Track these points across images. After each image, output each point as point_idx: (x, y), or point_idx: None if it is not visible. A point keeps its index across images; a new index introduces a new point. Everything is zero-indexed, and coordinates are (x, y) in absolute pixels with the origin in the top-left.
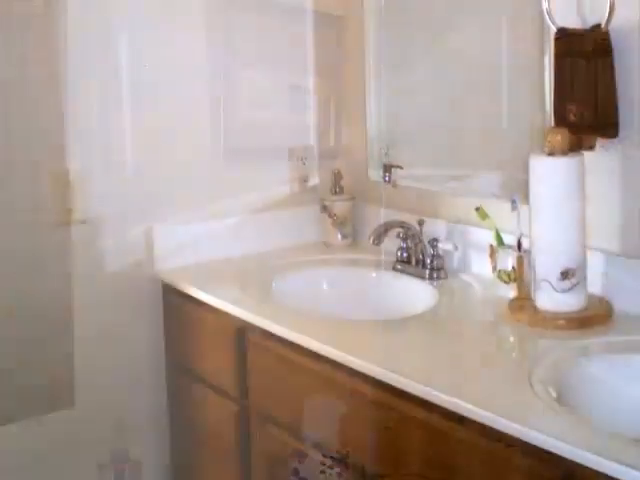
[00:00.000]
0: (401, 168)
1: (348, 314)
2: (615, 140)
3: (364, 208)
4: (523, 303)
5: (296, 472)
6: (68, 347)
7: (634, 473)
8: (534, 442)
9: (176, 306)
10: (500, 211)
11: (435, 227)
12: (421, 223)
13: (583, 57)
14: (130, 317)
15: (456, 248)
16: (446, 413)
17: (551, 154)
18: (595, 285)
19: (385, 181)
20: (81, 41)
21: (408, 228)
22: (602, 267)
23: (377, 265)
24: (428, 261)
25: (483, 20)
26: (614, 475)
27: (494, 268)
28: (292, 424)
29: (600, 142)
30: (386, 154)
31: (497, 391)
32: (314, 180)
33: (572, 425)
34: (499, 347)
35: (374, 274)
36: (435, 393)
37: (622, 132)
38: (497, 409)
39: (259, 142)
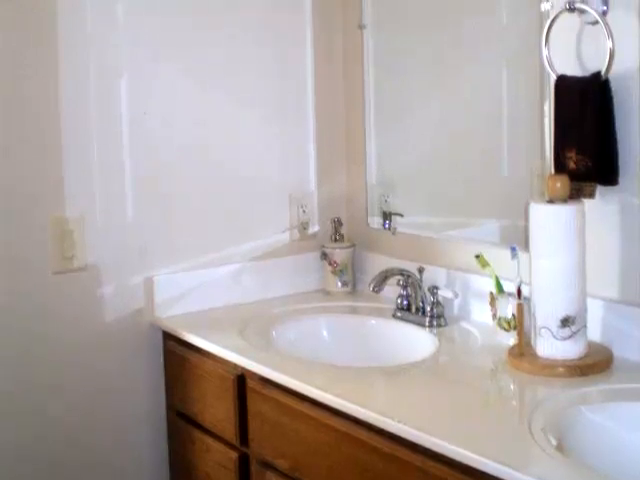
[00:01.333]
0: (401, 216)
1: (348, 361)
2: (615, 187)
3: (364, 255)
4: (523, 350)
5: None
6: (68, 396)
7: None
8: None
9: (176, 353)
10: (500, 258)
11: (435, 274)
12: (421, 270)
13: (583, 104)
14: (130, 364)
15: (456, 295)
16: (445, 461)
17: (551, 201)
18: (595, 332)
19: (385, 228)
20: (80, 88)
21: (408, 275)
22: (602, 314)
23: (377, 313)
24: (428, 308)
25: (483, 67)
26: None
27: (494, 315)
28: (292, 471)
29: (600, 189)
30: (386, 201)
31: (497, 439)
32: (314, 227)
33: (573, 473)
34: (499, 395)
35: (374, 321)
36: (434, 441)
37: (622, 179)
38: (497, 457)
39: (259, 189)
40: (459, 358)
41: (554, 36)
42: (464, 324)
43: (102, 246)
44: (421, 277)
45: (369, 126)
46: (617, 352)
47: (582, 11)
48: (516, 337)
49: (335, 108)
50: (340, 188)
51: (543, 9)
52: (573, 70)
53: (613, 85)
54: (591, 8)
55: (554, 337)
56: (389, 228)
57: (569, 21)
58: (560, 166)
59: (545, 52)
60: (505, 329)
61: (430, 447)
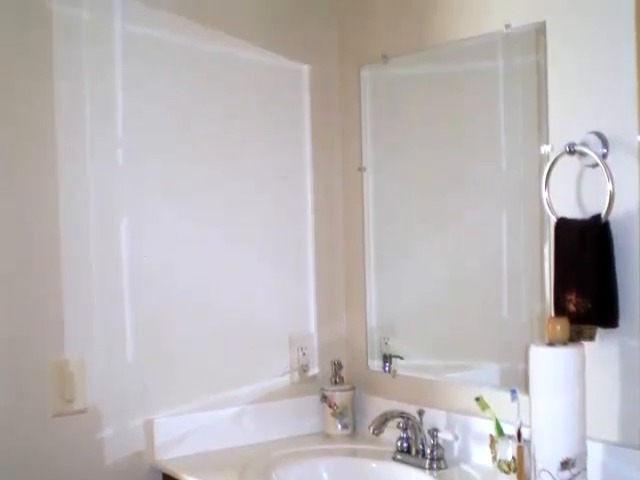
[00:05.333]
0: (401, 358)
1: None
2: (615, 330)
3: (364, 398)
4: None
5: None
6: None
7: None
8: None
9: None
10: (500, 401)
11: (435, 417)
12: (421, 413)
13: (583, 247)
14: None
15: (456, 438)
16: None
17: (551, 344)
18: (595, 475)
19: (385, 371)
20: (80, 231)
21: (408, 418)
22: (602, 457)
23: (377, 455)
24: (428, 451)
25: (483, 209)
26: None
27: (494, 458)
28: None
29: (600, 332)
30: (386, 344)
31: None
32: (314, 370)
33: None
34: None
35: (374, 464)
36: None
37: (622, 322)
38: None
39: (259, 331)
40: None
41: (554, 178)
42: (464, 467)
43: (102, 388)
44: (421, 419)
45: (369, 268)
46: None
47: (582, 154)
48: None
49: (335, 250)
50: (340, 330)
51: (543, 152)
52: (573, 212)
53: (613, 228)
54: (591, 151)
55: None
56: (389, 371)
57: (569, 164)
58: (560, 308)
59: (545, 195)
60: (505, 472)
61: None
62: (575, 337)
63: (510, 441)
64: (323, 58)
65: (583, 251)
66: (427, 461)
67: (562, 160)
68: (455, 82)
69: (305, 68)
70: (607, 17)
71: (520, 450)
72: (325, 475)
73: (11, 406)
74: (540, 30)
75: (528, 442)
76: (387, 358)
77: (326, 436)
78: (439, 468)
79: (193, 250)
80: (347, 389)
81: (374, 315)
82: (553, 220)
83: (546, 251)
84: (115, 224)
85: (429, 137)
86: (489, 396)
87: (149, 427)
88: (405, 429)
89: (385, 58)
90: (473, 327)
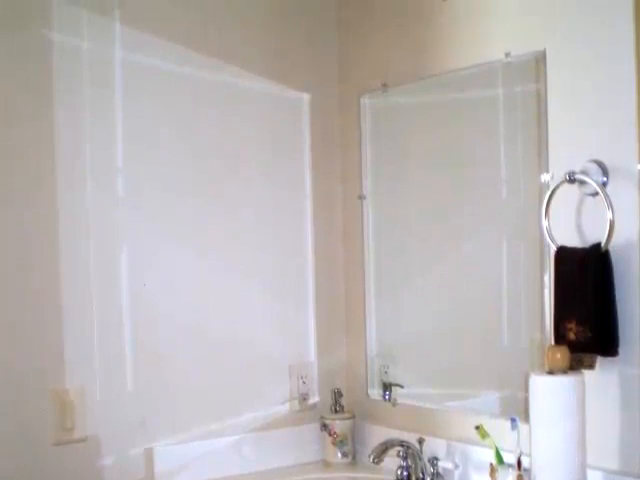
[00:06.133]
0: (401, 387)
1: None
2: (615, 359)
3: (364, 426)
4: None
5: None
6: None
7: None
8: None
9: None
10: (500, 429)
11: (435, 445)
12: (421, 441)
13: (583, 275)
14: None
15: (456, 466)
16: None
17: (551, 372)
18: None
19: (385, 399)
20: (80, 260)
21: (408, 447)
22: None
23: None
24: (428, 479)
25: (483, 238)
26: None
27: None
28: None
29: (600, 360)
30: (386, 372)
31: None
32: (314, 398)
33: None
34: None
35: None
36: None
37: (622, 351)
38: None
39: (259, 359)
40: None
41: (554, 207)
42: None
43: (102, 417)
44: (421, 448)
45: (369, 297)
46: None
47: (582, 182)
48: None
49: (335, 278)
50: (340, 359)
51: (543, 180)
52: (573, 241)
53: (613, 256)
54: (591, 179)
55: None
56: (389, 399)
57: (569, 192)
58: (560, 337)
59: (545, 223)
60: None
61: None
62: (575, 366)
63: (510, 470)
64: (323, 87)
65: (583, 279)
66: None
67: (562, 188)
68: (455, 110)
69: (305, 97)
70: (607, 46)
71: (520, 479)
72: None
73: (12, 434)
74: (540, 58)
75: (528, 471)
76: (387, 387)
77: (326, 464)
78: None
79: (193, 279)
80: (347, 417)
81: (374, 343)
82: (553, 248)
83: (546, 279)
84: (115, 253)
85: (429, 165)
86: (489, 424)
87: (149, 456)
88: (405, 458)
89: (385, 87)
90: (473, 355)
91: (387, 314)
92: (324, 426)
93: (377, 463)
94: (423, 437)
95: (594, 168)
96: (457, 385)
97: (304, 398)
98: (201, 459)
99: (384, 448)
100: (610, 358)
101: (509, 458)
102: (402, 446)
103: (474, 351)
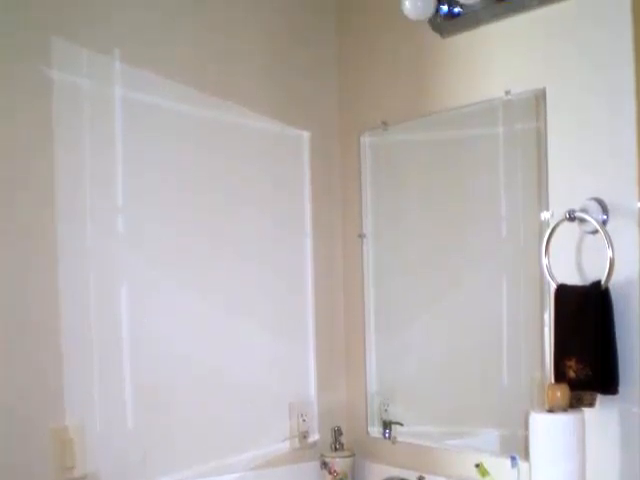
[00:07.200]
0: (401, 425)
1: None
2: (615, 396)
3: (364, 464)
4: None
5: None
6: None
7: None
8: None
9: None
10: (500, 468)
11: None
12: (421, 479)
13: (583, 313)
14: None
15: None
16: None
17: (551, 411)
18: None
19: (385, 437)
20: (80, 297)
21: None
22: None
23: None
24: None
25: (483, 276)
26: None
27: None
28: None
29: (600, 398)
30: (386, 410)
31: None
32: (314, 436)
33: None
34: None
35: None
36: None
37: (622, 389)
38: None
39: (259, 397)
40: None
41: (554, 245)
42: None
43: (102, 454)
44: None
45: (369, 335)
46: None
47: (582, 220)
48: None
49: (335, 317)
50: (340, 397)
51: (543, 218)
52: (573, 279)
53: (613, 294)
54: (591, 217)
55: None
56: (389, 437)
57: (569, 230)
58: (560, 375)
59: (545, 261)
60: None
61: None
62: (575, 404)
63: None
64: (323, 124)
65: (583, 317)
66: None
67: (562, 226)
68: (455, 148)
69: (305, 134)
70: (607, 84)
71: None
72: None
73: (11, 473)
74: (540, 96)
75: None
76: (387, 424)
77: None
78: None
79: (193, 317)
80: (347, 455)
81: (374, 381)
82: (553, 286)
83: (546, 317)
84: (115, 291)
85: (429, 203)
86: (489, 463)
87: None
88: None
89: (385, 125)
90: (473, 393)
91: (387, 352)
92: (324, 464)
93: None
94: (423, 475)
95: (594, 206)
96: (457, 423)
97: (304, 436)
98: None
99: None
100: (610, 396)
101: None
102: None
103: (474, 389)
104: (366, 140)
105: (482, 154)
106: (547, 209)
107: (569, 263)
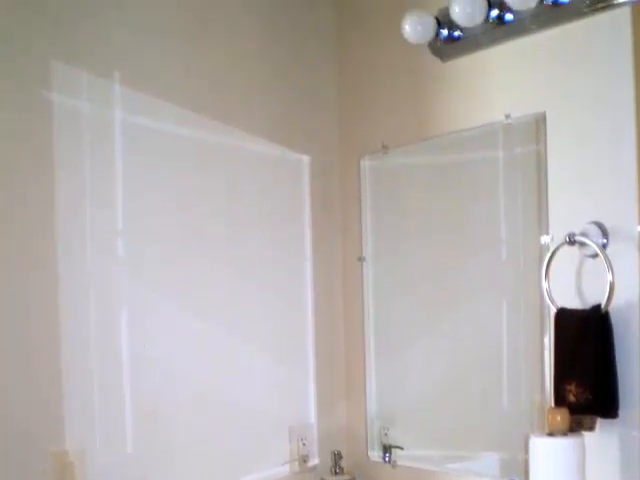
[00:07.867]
0: (401, 449)
1: None
2: (615, 420)
3: None
4: None
5: None
6: None
7: None
8: None
9: None
10: None
11: None
12: None
13: (583, 337)
14: None
15: None
16: None
17: (551, 434)
18: None
19: (385, 461)
20: (79, 321)
21: None
22: None
23: None
24: None
25: (483, 300)
26: None
27: None
28: None
29: (600, 422)
30: (386, 434)
31: None
32: (314, 460)
33: None
34: None
35: None
36: None
37: (622, 412)
38: None
39: (259, 421)
40: None
41: (554, 269)
42: None
43: (103, 478)
44: None
45: (369, 358)
46: None
47: (582, 244)
48: None
49: (335, 340)
50: (340, 421)
51: (543, 242)
52: (573, 303)
53: (613, 318)
54: (591, 241)
55: None
56: (389, 461)
57: (569, 254)
58: (560, 399)
59: (545, 285)
60: None
61: None
62: (575, 427)
63: None
64: (323, 148)
65: (583, 341)
66: None
67: (562, 250)
68: (455, 172)
69: (305, 158)
70: (606, 108)
71: None
72: None
73: None
74: (540, 120)
75: None
76: (387, 448)
77: None
78: None
79: (193, 341)
80: (347, 479)
81: (374, 405)
82: (553, 310)
83: (546, 341)
84: (115, 314)
85: (429, 227)
86: None
87: None
88: None
89: (385, 148)
90: (473, 417)
91: (387, 376)
92: None
93: None
94: None
95: (594, 230)
96: (457, 447)
97: (304, 460)
98: None
99: None
100: (610, 420)
101: None
102: None
103: (474, 412)
104: (366, 164)
105: (482, 178)
106: (547, 233)
107: (569, 287)
